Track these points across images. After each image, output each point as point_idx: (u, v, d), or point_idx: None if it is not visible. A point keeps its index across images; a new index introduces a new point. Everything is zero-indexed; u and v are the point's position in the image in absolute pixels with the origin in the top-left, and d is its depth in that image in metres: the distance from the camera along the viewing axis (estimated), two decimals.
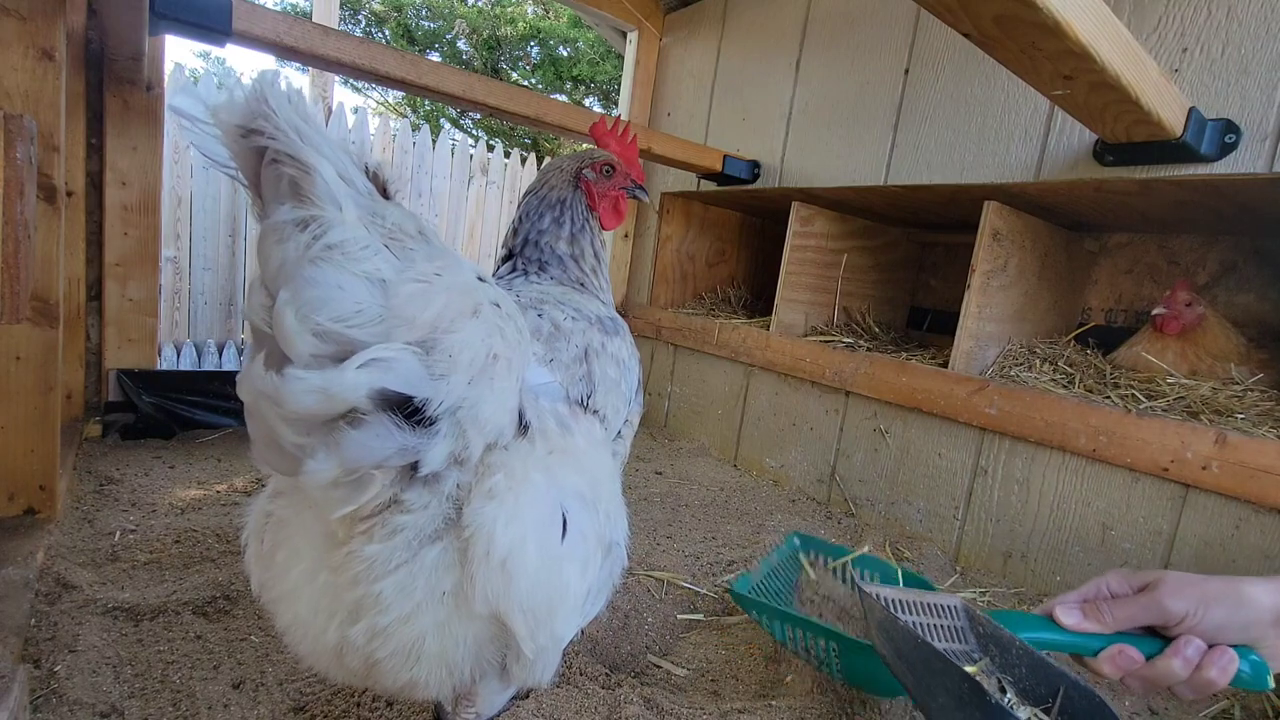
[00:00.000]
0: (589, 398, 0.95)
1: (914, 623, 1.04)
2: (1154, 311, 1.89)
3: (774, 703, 1.14)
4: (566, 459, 0.80)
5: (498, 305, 0.70)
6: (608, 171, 1.25)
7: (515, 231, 1.23)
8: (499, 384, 0.66)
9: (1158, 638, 0.94)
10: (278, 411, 0.57)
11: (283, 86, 0.55)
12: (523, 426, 0.75)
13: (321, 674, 0.76)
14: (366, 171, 0.61)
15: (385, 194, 0.62)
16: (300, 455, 0.58)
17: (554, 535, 0.75)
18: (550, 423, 0.82)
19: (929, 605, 1.09)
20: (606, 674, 1.18)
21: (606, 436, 0.98)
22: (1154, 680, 0.90)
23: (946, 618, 1.10)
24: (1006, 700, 0.94)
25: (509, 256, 1.22)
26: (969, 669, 0.96)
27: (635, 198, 1.31)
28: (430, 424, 0.61)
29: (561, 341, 0.96)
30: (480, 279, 0.70)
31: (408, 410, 0.59)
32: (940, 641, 1.05)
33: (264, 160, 0.54)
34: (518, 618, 0.70)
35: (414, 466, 0.63)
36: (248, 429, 0.62)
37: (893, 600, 1.06)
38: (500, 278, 1.20)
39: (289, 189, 0.54)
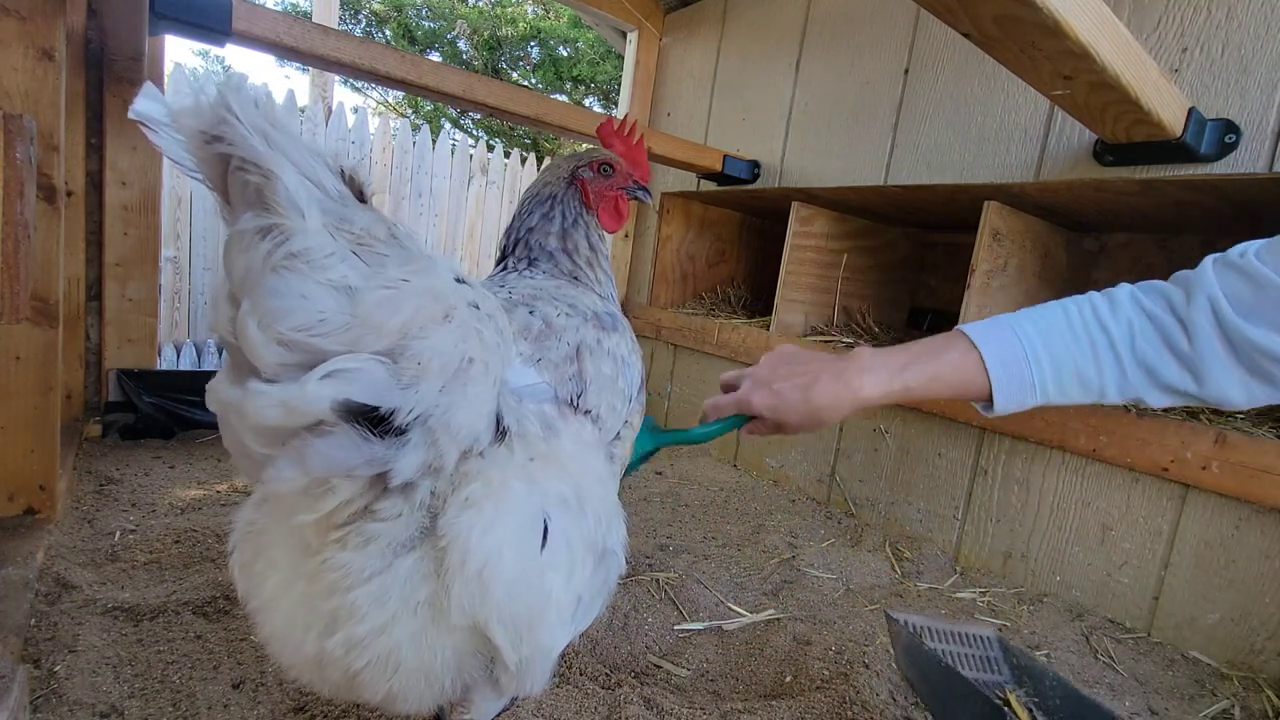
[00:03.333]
0: (579, 397, 0.92)
1: (942, 650, 1.05)
2: None
3: (774, 703, 1.14)
4: (550, 464, 0.78)
5: (476, 306, 0.68)
6: (606, 171, 1.22)
7: (508, 231, 1.21)
8: (473, 389, 0.65)
9: None
10: (242, 423, 0.57)
11: (251, 91, 0.53)
12: (500, 431, 0.73)
13: (307, 686, 0.75)
14: (342, 175, 0.60)
15: (362, 198, 0.61)
16: (269, 465, 0.58)
17: (533, 544, 0.73)
18: (533, 426, 0.79)
19: (961, 634, 1.10)
20: (607, 674, 1.18)
21: (600, 437, 0.95)
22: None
23: (979, 648, 1.10)
24: None
25: (503, 256, 1.21)
26: (1006, 697, 0.99)
27: (636, 199, 1.27)
28: (400, 433, 0.60)
29: (552, 340, 0.93)
30: (459, 280, 0.68)
31: (376, 419, 0.58)
32: (970, 670, 1.05)
33: (230, 167, 0.53)
34: (497, 629, 0.69)
35: (386, 476, 0.62)
36: (222, 438, 0.62)
37: (922, 627, 1.07)
38: (492, 276, 1.19)
39: (254, 196, 0.53)
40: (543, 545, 0.74)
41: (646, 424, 1.23)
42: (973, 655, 1.09)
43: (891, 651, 1.08)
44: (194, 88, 0.53)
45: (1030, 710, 1.02)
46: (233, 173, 0.53)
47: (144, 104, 0.53)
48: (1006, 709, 0.93)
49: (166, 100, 0.53)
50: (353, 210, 0.58)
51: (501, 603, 0.69)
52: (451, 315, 0.63)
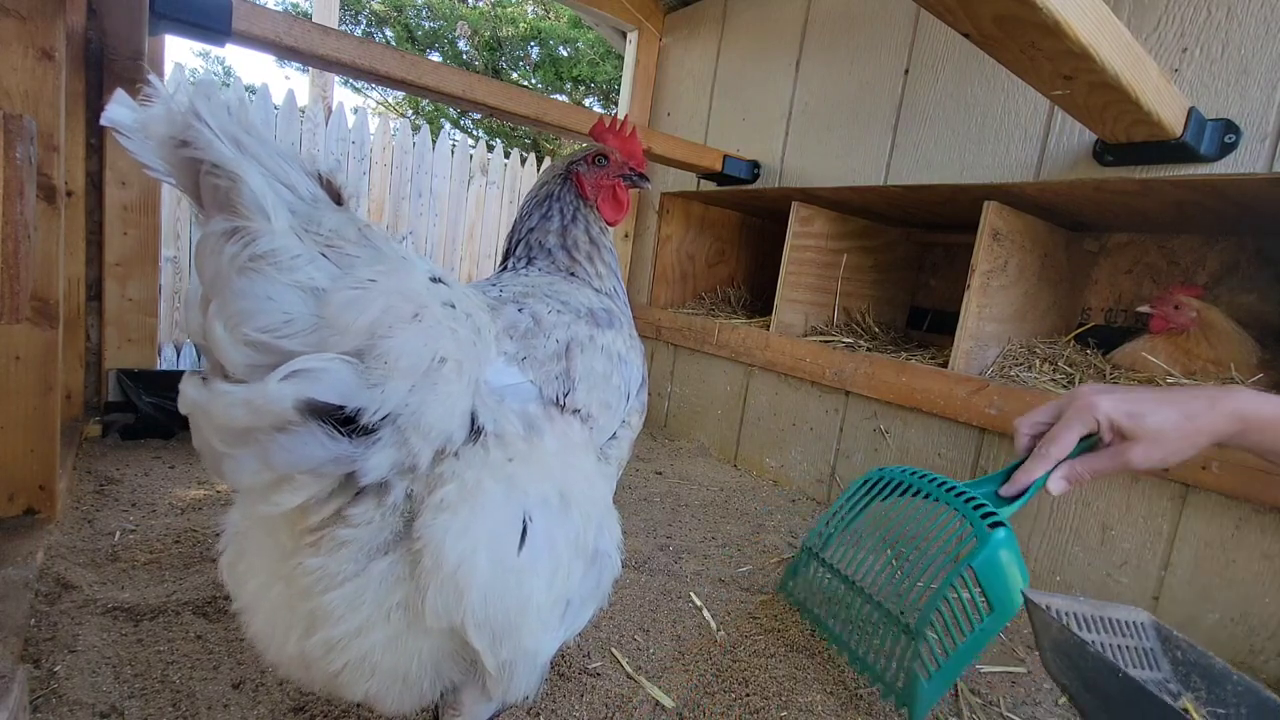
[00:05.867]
0: (566, 396, 0.90)
1: (1103, 645, 0.90)
2: (1139, 309, 1.93)
3: (776, 703, 1.14)
4: (531, 464, 0.77)
5: (452, 306, 0.69)
6: (600, 161, 1.21)
7: (509, 235, 1.22)
8: (445, 388, 0.65)
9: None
10: (210, 423, 0.58)
11: (223, 96, 0.55)
12: (475, 431, 0.72)
13: (298, 684, 0.75)
14: (320, 179, 0.61)
15: (339, 201, 0.62)
16: (235, 463, 0.59)
17: (510, 546, 0.72)
18: (512, 426, 0.78)
19: (1110, 621, 0.95)
20: (609, 673, 1.18)
21: (590, 437, 0.93)
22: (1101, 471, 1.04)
23: (1131, 636, 0.95)
24: None
25: (505, 257, 1.21)
26: (1183, 706, 0.82)
27: (634, 185, 1.25)
28: (369, 432, 0.61)
29: (540, 337, 0.91)
30: (436, 280, 0.69)
31: (345, 419, 0.59)
32: (1127, 668, 0.87)
33: (201, 171, 0.54)
34: (474, 632, 0.69)
35: (356, 476, 0.63)
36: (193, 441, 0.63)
37: (1067, 613, 0.93)
38: (490, 276, 1.18)
39: (223, 199, 0.54)
40: (520, 547, 0.73)
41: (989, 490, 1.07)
42: (1126, 647, 0.93)
43: (1036, 645, 0.90)
44: (164, 95, 0.53)
45: None
46: (203, 177, 0.54)
47: (115, 111, 0.54)
48: None
49: (137, 107, 0.54)
50: (323, 212, 0.59)
51: (477, 606, 0.68)
52: (422, 314, 0.63)
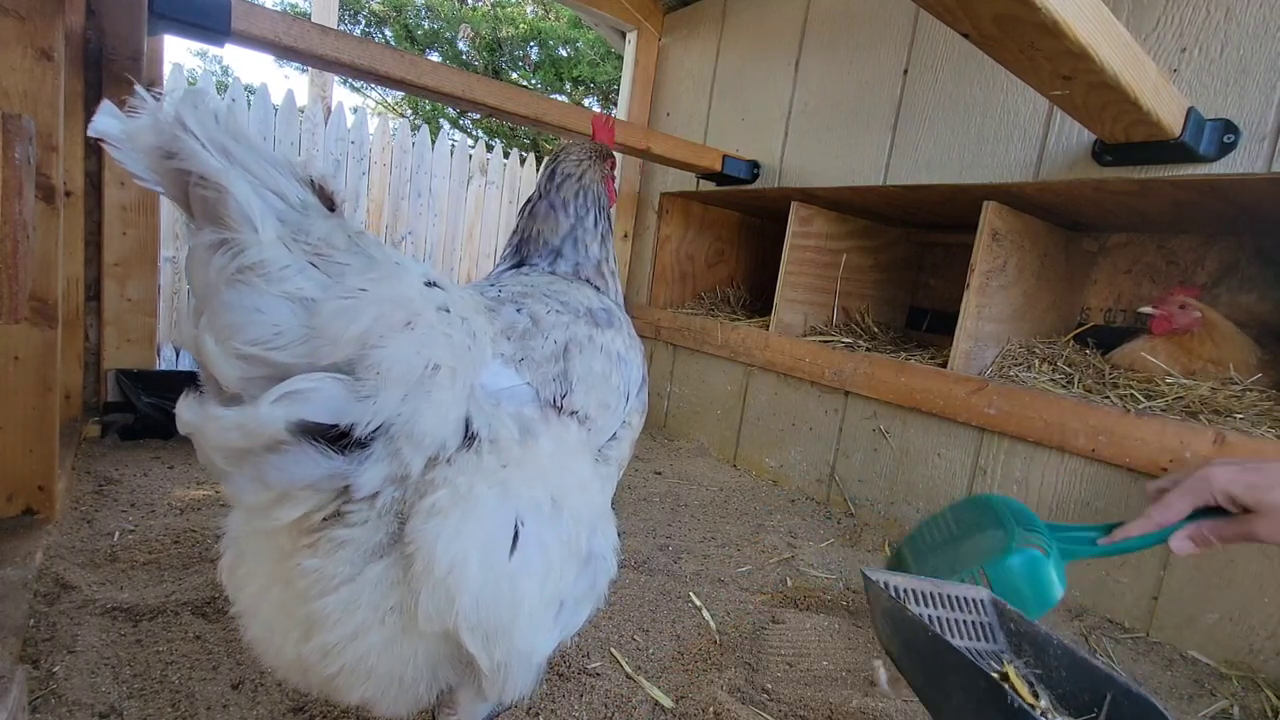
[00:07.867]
0: (563, 398, 0.89)
1: (929, 615, 0.96)
2: (1141, 309, 1.92)
3: (774, 705, 1.14)
4: (525, 468, 0.77)
5: (446, 310, 0.68)
6: (610, 170, 1.27)
7: (534, 232, 1.19)
8: (439, 395, 0.65)
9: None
10: (206, 443, 0.59)
11: (212, 104, 0.54)
12: (469, 437, 0.72)
13: (296, 688, 0.75)
14: (311, 184, 0.60)
15: (332, 206, 0.61)
16: (235, 483, 0.60)
17: (501, 550, 0.72)
18: (507, 430, 0.78)
19: (949, 597, 1.01)
20: (608, 673, 1.18)
21: (588, 439, 0.93)
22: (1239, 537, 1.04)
23: (971, 612, 1.01)
24: (1040, 709, 0.86)
25: (518, 250, 1.19)
26: (1004, 670, 0.91)
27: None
28: (363, 445, 0.61)
29: (538, 338, 0.91)
30: (430, 284, 0.69)
31: (339, 434, 0.59)
32: (961, 638, 0.96)
33: (190, 182, 0.54)
34: (467, 635, 0.69)
35: (350, 490, 0.63)
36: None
37: (904, 589, 0.99)
38: (489, 274, 1.18)
39: (211, 210, 0.54)
40: (512, 552, 0.73)
41: (1048, 537, 1.10)
42: (964, 621, 0.99)
43: (870, 617, 0.97)
44: (151, 106, 0.52)
45: (1031, 684, 0.90)
46: (191, 188, 0.53)
47: (102, 121, 0.52)
48: (1005, 684, 0.83)
49: (124, 117, 0.53)
50: (313, 220, 0.58)
51: (469, 609, 0.68)
52: (415, 322, 0.63)
